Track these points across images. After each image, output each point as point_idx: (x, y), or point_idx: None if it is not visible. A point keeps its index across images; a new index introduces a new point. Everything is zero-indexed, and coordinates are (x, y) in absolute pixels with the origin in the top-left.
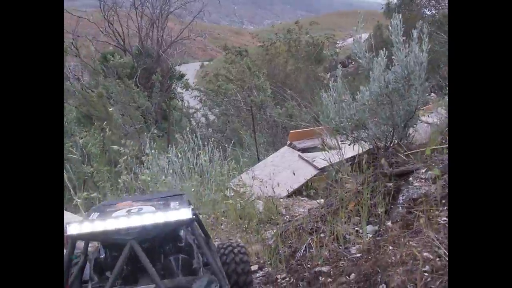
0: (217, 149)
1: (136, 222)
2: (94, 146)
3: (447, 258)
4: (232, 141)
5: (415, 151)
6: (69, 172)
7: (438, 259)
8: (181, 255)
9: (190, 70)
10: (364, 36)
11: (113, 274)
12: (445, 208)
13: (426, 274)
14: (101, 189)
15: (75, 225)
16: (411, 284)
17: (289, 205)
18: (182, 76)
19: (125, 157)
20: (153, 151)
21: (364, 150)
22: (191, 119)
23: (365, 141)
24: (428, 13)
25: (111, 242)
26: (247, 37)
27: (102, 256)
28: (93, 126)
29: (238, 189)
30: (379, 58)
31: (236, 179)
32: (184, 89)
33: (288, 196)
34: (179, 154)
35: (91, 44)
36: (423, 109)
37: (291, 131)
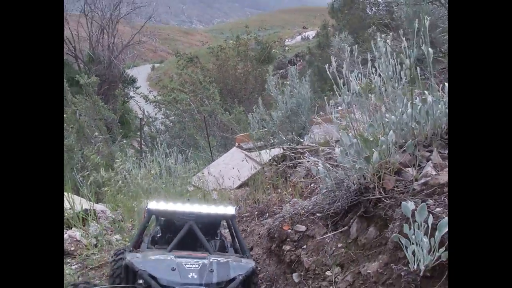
0: (179, 153)
1: (196, 209)
2: (94, 157)
3: (290, 197)
4: (191, 147)
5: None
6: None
7: (286, 199)
8: (218, 239)
9: (142, 74)
10: (312, 33)
11: (175, 239)
12: (302, 181)
13: (286, 206)
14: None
15: (154, 203)
16: (277, 210)
17: (237, 193)
18: (133, 80)
19: (119, 164)
20: (134, 159)
21: (279, 152)
22: (151, 126)
23: (278, 145)
24: (369, 12)
25: (176, 220)
26: (197, 37)
27: (159, 235)
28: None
29: (197, 184)
30: (281, 96)
31: (195, 176)
32: (143, 99)
33: (238, 187)
34: (153, 160)
35: None
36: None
37: (238, 135)
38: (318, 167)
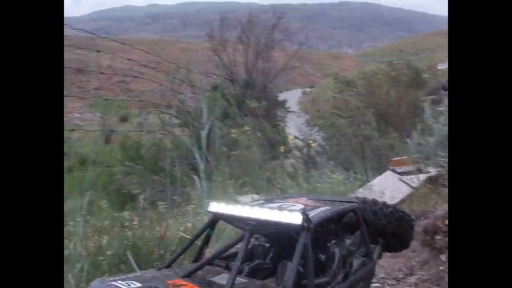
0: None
1: (253, 214)
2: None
3: (442, 204)
4: (346, 169)
5: None
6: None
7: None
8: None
9: (293, 98)
10: None
11: (237, 260)
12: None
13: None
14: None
15: (215, 204)
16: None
17: None
18: (284, 104)
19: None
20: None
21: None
22: (310, 149)
23: (433, 167)
24: None
25: (236, 226)
26: (346, 61)
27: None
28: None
29: None
30: (436, 124)
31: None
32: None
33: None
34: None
35: (199, 77)
36: None
37: (392, 159)
38: None
